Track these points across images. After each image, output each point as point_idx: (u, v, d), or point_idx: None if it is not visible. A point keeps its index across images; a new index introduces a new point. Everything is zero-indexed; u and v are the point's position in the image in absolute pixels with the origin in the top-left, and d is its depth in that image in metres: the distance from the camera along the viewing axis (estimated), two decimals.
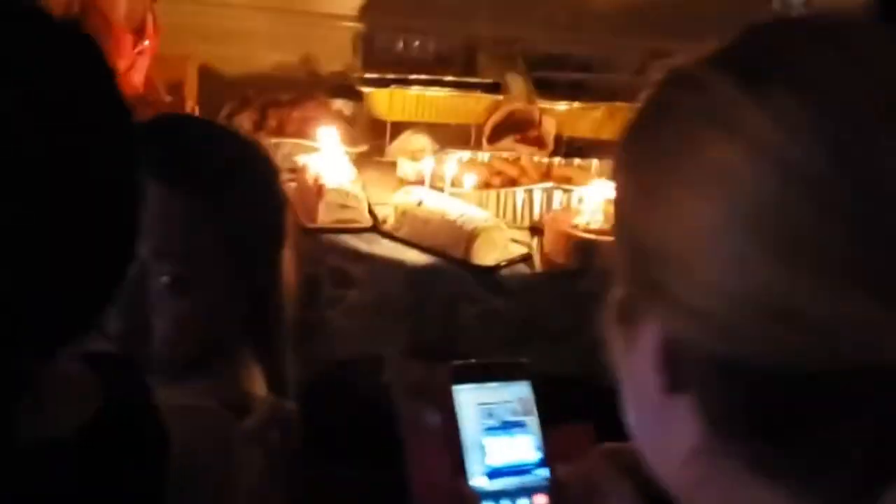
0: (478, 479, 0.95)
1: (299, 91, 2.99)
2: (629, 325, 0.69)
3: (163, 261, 1.21)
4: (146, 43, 2.34)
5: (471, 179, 2.56)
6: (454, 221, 2.38)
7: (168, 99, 2.40)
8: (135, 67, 2.31)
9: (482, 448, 0.97)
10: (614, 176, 0.71)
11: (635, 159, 0.69)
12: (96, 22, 2.15)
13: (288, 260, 1.35)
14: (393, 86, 2.73)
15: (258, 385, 1.31)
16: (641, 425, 0.71)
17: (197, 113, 2.99)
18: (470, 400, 0.98)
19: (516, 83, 2.80)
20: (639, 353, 0.68)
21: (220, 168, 1.29)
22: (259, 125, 2.86)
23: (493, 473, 0.97)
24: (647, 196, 0.67)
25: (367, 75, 2.75)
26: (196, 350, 1.26)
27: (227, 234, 1.27)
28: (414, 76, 2.76)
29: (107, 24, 2.21)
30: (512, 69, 2.96)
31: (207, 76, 3.21)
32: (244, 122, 2.84)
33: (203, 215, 1.25)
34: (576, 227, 2.41)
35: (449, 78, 2.77)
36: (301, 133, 2.79)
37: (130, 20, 2.32)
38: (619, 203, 0.70)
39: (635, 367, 0.68)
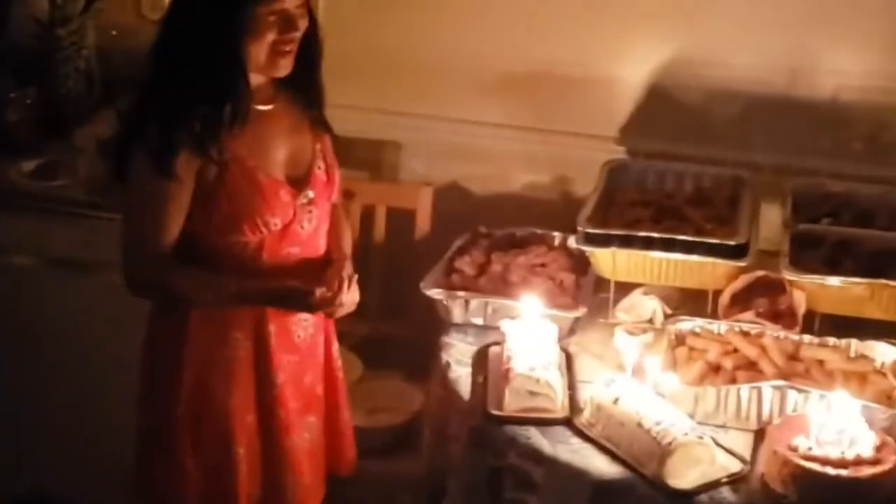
0: None
1: (531, 232, 2.74)
2: None
3: None
4: (310, 194, 2.16)
5: (687, 373, 2.20)
6: (649, 431, 2.04)
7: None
8: (295, 220, 2.14)
9: None
10: None
11: None
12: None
13: None
14: (615, 246, 2.40)
15: None
16: None
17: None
18: None
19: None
20: None
21: None
22: (483, 269, 2.64)
23: None
24: None
25: (589, 230, 2.44)
26: None
27: None
28: (642, 233, 2.41)
29: (256, 182, 2.10)
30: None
31: (445, 202, 3.05)
32: (465, 268, 2.62)
33: None
34: (795, 449, 1.99)
35: (682, 237, 2.40)
36: (524, 283, 2.54)
37: (292, 171, 2.16)
38: None
39: None
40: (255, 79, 2.09)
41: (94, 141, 2.74)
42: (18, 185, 2.81)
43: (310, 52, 2.14)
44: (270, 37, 2.03)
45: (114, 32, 2.97)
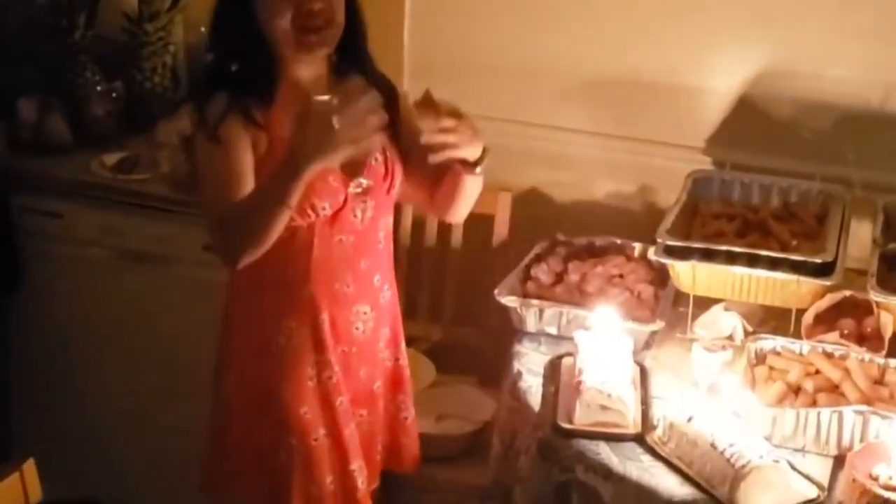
0: None
1: (610, 242, 2.69)
2: None
3: None
4: (363, 182, 2.15)
5: (765, 393, 2.13)
6: (723, 452, 1.98)
7: None
8: (347, 207, 2.14)
9: None
10: None
11: None
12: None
13: None
14: (695, 259, 2.34)
15: None
16: None
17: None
18: None
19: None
20: None
21: None
22: (559, 278, 2.59)
23: None
24: None
25: (669, 242, 2.37)
26: None
27: None
28: (724, 247, 2.34)
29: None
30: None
31: (524, 208, 3.00)
32: (541, 276, 2.58)
33: None
34: (875, 478, 1.91)
35: (766, 253, 2.32)
36: (601, 294, 2.49)
37: (348, 161, 2.10)
38: None
39: None
40: (308, 69, 2.11)
41: (176, 136, 2.74)
42: (100, 177, 2.82)
43: (353, 41, 2.13)
44: (286, 14, 2.04)
45: (202, 29, 2.98)
